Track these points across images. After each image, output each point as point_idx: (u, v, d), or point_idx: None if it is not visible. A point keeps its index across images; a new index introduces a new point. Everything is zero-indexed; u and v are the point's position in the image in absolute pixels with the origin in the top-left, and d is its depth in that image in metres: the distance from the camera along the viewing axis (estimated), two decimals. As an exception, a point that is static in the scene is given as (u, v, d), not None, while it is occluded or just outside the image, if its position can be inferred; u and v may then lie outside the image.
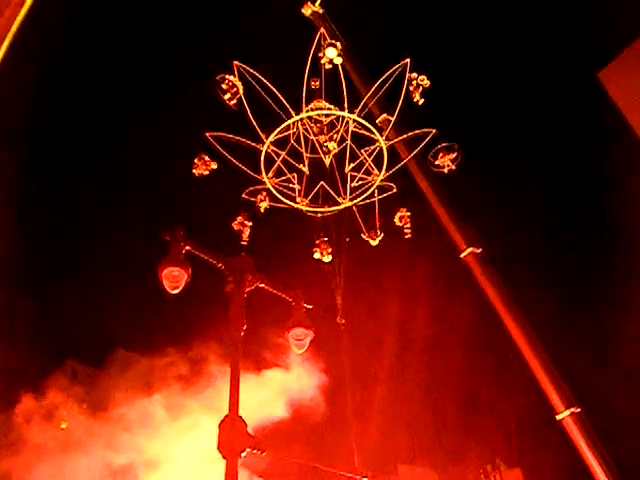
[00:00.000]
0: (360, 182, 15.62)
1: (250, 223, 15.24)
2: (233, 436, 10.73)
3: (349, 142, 15.19)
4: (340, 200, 15.51)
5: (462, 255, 21.06)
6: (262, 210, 15.60)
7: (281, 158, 15.16)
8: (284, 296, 13.64)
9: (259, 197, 15.44)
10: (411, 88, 14.88)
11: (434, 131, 15.51)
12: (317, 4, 23.57)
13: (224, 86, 14.38)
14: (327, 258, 15.43)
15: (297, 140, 15.30)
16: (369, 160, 15.34)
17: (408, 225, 15.92)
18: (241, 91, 14.46)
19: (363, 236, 16.24)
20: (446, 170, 15.51)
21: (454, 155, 15.30)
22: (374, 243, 16.07)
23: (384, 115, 18.03)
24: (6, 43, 14.33)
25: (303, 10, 23.70)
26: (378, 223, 16.09)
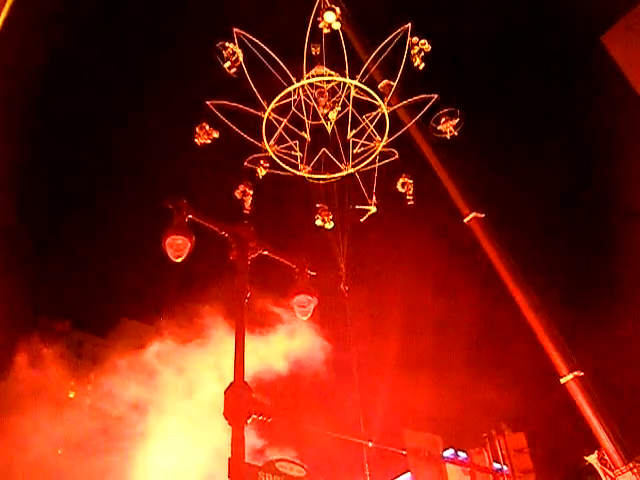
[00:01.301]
0: (362, 148, 15.54)
1: (252, 191, 15.19)
2: (239, 403, 10.80)
3: (350, 108, 15.08)
4: (342, 167, 15.44)
5: (466, 220, 21.09)
6: (260, 177, 15.54)
7: (282, 125, 15.07)
8: (288, 263, 13.65)
9: (259, 165, 15.37)
10: (412, 52, 14.74)
11: (436, 96, 15.39)
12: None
13: (224, 54, 14.28)
14: (329, 225, 15.39)
15: (298, 107, 15.20)
16: (371, 126, 15.24)
17: (411, 192, 15.86)
18: (241, 58, 14.35)
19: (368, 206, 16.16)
20: (448, 136, 15.42)
21: (456, 121, 15.21)
22: (373, 210, 16.01)
23: (385, 81, 17.90)
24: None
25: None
26: (375, 191, 16.01)
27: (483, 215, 20.90)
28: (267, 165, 15.37)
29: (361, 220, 16.14)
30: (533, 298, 20.42)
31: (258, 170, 15.37)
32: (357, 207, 16.00)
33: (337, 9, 13.92)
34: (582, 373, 19.37)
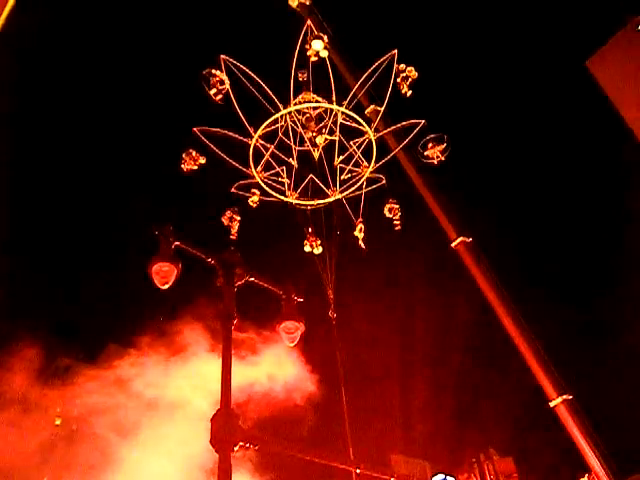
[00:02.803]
0: (349, 174, 15.61)
1: (239, 217, 15.20)
2: (226, 430, 10.69)
3: (338, 134, 15.15)
4: (329, 193, 15.50)
5: (453, 245, 21.09)
6: (254, 205, 15.57)
7: (270, 152, 15.12)
8: (274, 289, 13.61)
9: (251, 193, 15.41)
10: (399, 79, 14.85)
11: (423, 122, 15.48)
12: (304, -5, 23.33)
13: (211, 81, 14.32)
14: (317, 250, 15.40)
15: (285, 133, 15.26)
16: (358, 152, 15.32)
17: (398, 217, 15.92)
18: (228, 86, 14.40)
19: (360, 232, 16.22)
20: (436, 161, 15.50)
21: (443, 146, 15.30)
22: (359, 235, 16.07)
23: (372, 106, 17.98)
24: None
25: (290, 1, 23.46)
26: (361, 217, 16.09)
27: (470, 239, 20.92)
28: (258, 192, 15.42)
29: (357, 237, 16.19)
30: (521, 321, 20.41)
31: (251, 198, 15.39)
32: (357, 235, 16.05)
33: (325, 37, 14.02)
34: (571, 396, 19.33)
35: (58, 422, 24.27)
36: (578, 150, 30.97)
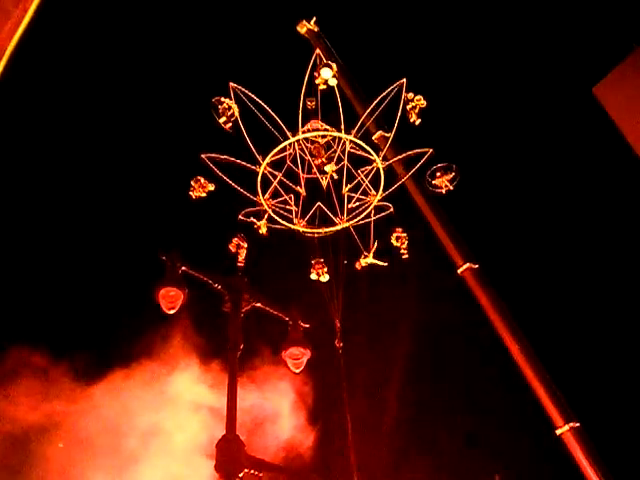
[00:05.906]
0: (357, 203, 15.64)
1: (246, 244, 15.19)
2: (230, 456, 10.71)
3: (346, 163, 15.20)
4: (337, 221, 15.51)
5: (459, 271, 21.04)
6: (263, 232, 15.56)
7: (277, 180, 15.16)
8: (281, 315, 13.67)
9: (259, 220, 15.40)
10: (408, 108, 14.87)
11: (430, 151, 15.51)
12: (312, 22, 23.54)
13: (220, 109, 14.37)
14: (324, 278, 15.36)
15: (293, 160, 15.31)
16: (366, 181, 15.35)
17: (405, 245, 15.91)
18: (237, 113, 14.44)
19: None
20: (444, 191, 15.52)
21: (452, 175, 15.33)
22: (364, 262, 16.07)
23: (380, 132, 18.02)
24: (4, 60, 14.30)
25: (298, 28, 23.64)
26: (372, 244, 16.08)
27: (477, 265, 20.87)
28: (264, 226, 15.44)
29: (369, 260, 16.19)
30: (528, 349, 20.26)
31: (261, 226, 15.40)
32: (366, 260, 16.03)
33: (334, 65, 14.06)
34: (578, 424, 19.13)
35: (61, 445, 24.16)
36: (587, 176, 30.95)
